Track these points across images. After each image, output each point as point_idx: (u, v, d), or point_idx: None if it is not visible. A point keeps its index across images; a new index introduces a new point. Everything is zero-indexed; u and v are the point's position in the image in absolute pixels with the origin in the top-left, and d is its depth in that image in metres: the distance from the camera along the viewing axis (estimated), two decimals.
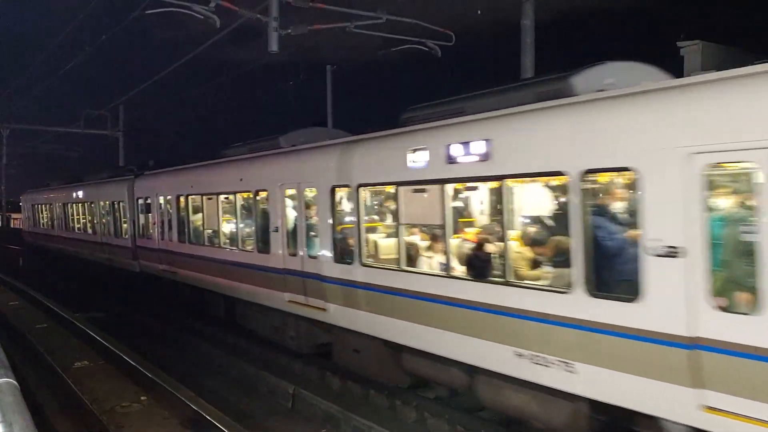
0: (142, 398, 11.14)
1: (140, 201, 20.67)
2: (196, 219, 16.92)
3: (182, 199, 17.38)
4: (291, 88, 26.10)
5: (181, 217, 17.53)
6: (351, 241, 10.93)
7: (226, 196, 15.27)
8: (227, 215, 15.42)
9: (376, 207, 11.68)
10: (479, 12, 15.25)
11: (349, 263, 10.78)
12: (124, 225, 22.15)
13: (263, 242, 13.42)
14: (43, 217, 34.67)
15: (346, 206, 11.40)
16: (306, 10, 14.71)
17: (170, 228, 18.17)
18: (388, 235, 10.80)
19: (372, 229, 11.14)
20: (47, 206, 33.42)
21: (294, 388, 11.29)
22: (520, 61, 14.42)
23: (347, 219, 11.32)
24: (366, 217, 10.98)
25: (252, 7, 14.44)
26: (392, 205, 10.62)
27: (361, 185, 10.59)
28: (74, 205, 28.54)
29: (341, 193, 11.36)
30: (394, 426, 9.72)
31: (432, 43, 16.28)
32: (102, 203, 24.47)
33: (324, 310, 11.43)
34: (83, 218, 27.55)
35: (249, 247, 14.15)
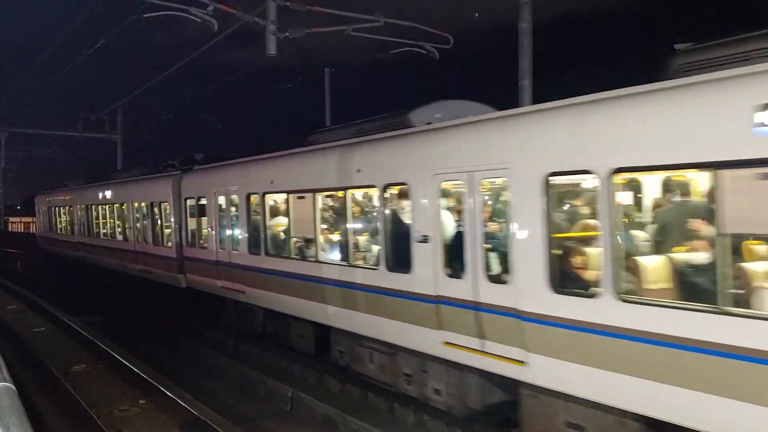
0: (141, 401, 11.14)
1: (189, 201, 16.97)
2: (278, 224, 13.30)
3: (256, 198, 13.60)
4: (289, 91, 26.11)
5: (254, 221, 13.72)
6: (583, 261, 7.44)
7: (329, 193, 11.77)
8: (330, 219, 11.99)
9: (649, 205, 7.69)
10: (476, 15, 15.26)
11: (587, 294, 7.05)
12: (167, 231, 18.50)
13: (397, 257, 9.74)
14: (60, 221, 30.63)
15: (577, 204, 7.95)
16: (304, 13, 14.72)
17: (236, 235, 14.47)
18: (682, 252, 6.78)
19: (639, 242, 7.34)
20: (66, 209, 29.33)
21: (293, 391, 11.31)
22: (518, 63, 14.44)
23: (578, 224, 7.81)
24: (625, 221, 7.41)
25: (250, 10, 14.45)
26: (700, 202, 6.73)
27: (620, 170, 6.67)
28: (100, 207, 24.55)
29: (563, 185, 7.76)
30: (393, 429, 9.74)
31: (430, 46, 16.30)
32: (136, 205, 20.58)
33: (521, 363, 7.65)
34: (112, 222, 23.54)
35: (369, 263, 10.57)
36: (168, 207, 18.08)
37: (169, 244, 18.17)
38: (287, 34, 14.47)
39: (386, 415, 10.32)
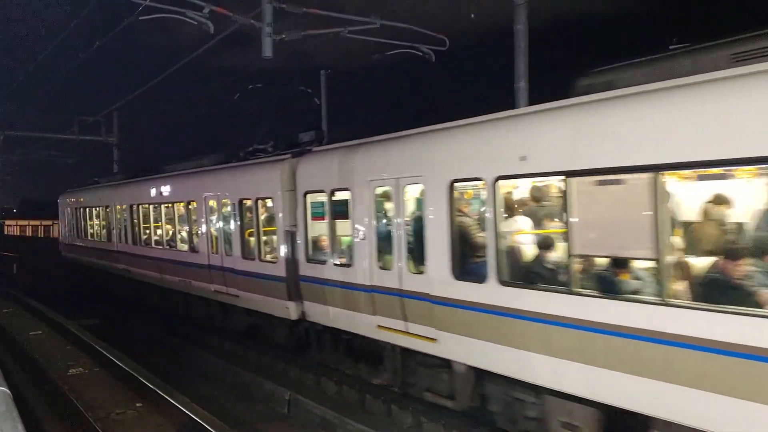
0: (138, 405, 11.10)
1: (313, 197, 11.98)
2: (520, 231, 8.53)
3: (472, 187, 8.89)
4: (285, 93, 26.08)
5: (463, 225, 8.73)
6: None
7: (712, 172, 6.54)
8: (716, 226, 6.78)
9: None
10: (472, 16, 15.27)
11: None
12: (265, 238, 13.53)
13: None
14: (92, 225, 25.43)
15: None
16: (300, 16, 14.72)
17: (421, 249, 9.23)
18: None
19: None
20: (102, 210, 23.85)
21: (290, 394, 11.30)
22: (514, 65, 14.46)
23: None
24: None
25: (246, 12, 14.45)
26: None
27: None
28: (152, 207, 19.14)
29: None
30: (391, 431, 9.74)
31: (426, 48, 16.32)
32: (212, 204, 15.41)
33: None
34: (170, 228, 18.48)
35: None
36: (272, 205, 13.17)
37: (271, 257, 13.26)
38: (283, 36, 14.48)
39: (383, 417, 10.32)
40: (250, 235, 13.95)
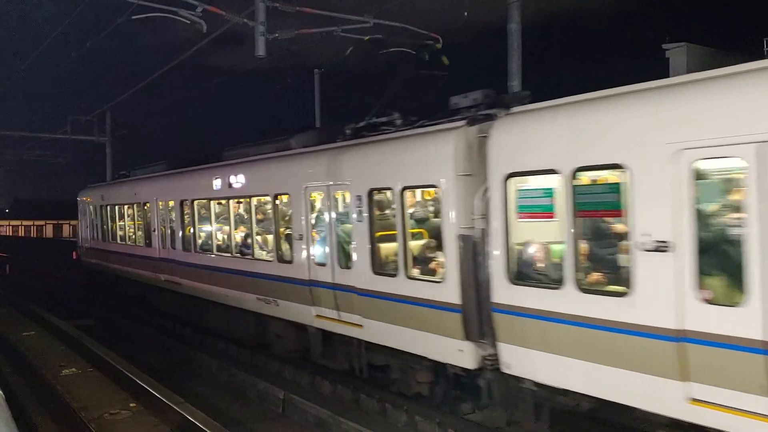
0: (132, 405, 11.08)
1: (524, 182, 7.94)
2: None
3: None
4: (279, 93, 26.00)
5: None
6: None
7: None
8: None
9: None
10: (465, 14, 15.28)
11: None
12: (415, 244, 9.74)
13: None
14: (123, 227, 21.10)
15: None
16: (293, 15, 14.71)
17: None
18: None
19: None
20: (138, 208, 19.51)
21: (284, 394, 11.29)
22: (507, 64, 14.48)
23: None
24: None
25: (239, 11, 14.43)
26: None
27: None
28: (216, 204, 15.30)
29: None
30: (385, 430, 9.74)
31: (419, 47, 16.31)
32: (316, 197, 11.72)
33: None
34: (244, 230, 14.28)
35: None
36: (434, 197, 9.87)
37: (428, 272, 9.41)
38: (276, 35, 14.46)
39: (378, 416, 10.32)
40: (387, 240, 9.99)
